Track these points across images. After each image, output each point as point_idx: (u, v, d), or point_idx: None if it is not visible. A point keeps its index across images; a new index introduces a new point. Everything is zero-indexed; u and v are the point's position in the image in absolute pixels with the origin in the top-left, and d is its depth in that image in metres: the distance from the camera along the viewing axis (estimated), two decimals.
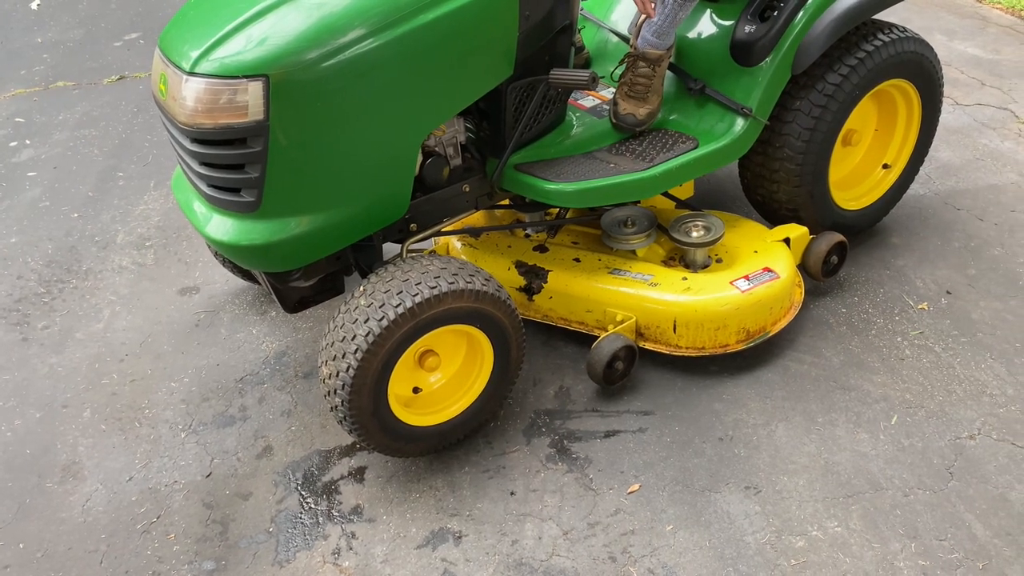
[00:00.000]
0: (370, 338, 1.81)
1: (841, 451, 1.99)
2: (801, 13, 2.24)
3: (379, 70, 1.80)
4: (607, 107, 2.40)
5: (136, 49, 4.67)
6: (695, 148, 2.28)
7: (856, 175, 2.64)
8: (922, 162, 2.65)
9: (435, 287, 1.85)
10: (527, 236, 2.51)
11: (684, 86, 2.37)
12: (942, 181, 2.93)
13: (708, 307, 2.17)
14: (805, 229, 2.40)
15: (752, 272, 2.24)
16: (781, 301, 2.25)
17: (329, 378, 1.88)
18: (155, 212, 3.14)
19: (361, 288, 1.90)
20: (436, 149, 2.14)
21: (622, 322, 2.23)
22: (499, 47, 1.96)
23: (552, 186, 2.13)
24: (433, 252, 2.06)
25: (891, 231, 2.71)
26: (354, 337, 1.83)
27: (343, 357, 1.84)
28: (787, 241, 2.37)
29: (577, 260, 2.36)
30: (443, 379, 2.07)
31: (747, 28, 2.29)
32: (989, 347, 2.23)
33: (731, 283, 2.20)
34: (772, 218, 2.57)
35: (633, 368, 2.20)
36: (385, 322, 1.81)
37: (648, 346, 2.24)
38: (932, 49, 2.45)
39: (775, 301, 2.23)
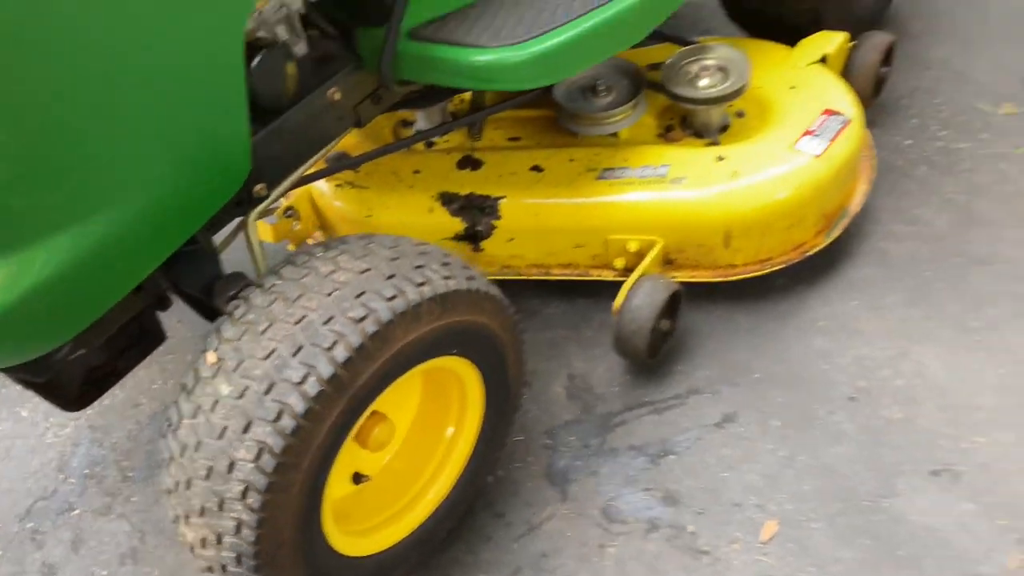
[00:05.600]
0: (266, 462, 0.87)
1: None
2: None
3: None
4: None
5: None
6: None
7: None
8: None
9: (366, 316, 0.91)
10: (429, 146, 1.56)
11: None
12: None
13: (776, 196, 1.34)
14: (844, 36, 1.59)
15: (814, 122, 1.42)
16: (862, 153, 1.47)
17: (203, 547, 0.93)
18: None
19: (211, 358, 0.92)
20: (261, 35, 1.11)
21: (638, 255, 1.38)
22: None
23: (491, 55, 1.18)
24: (326, 242, 1.07)
25: (906, 16, 1.95)
26: (231, 467, 0.87)
27: (220, 509, 0.89)
28: (823, 61, 1.56)
29: (538, 168, 1.45)
30: (393, 453, 1.16)
31: None
32: None
33: (795, 147, 1.38)
34: (773, 33, 1.74)
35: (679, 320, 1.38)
36: (289, 421, 0.87)
37: (683, 277, 1.41)
38: None
39: (856, 157, 1.43)
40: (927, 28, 1.91)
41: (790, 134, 1.40)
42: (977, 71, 1.78)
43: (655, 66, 1.57)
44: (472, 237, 1.44)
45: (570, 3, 1.26)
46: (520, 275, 1.48)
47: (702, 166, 1.38)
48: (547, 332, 1.48)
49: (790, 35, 1.67)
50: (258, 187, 1.15)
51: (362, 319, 0.90)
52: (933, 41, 1.87)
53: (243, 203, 1.15)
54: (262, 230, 1.50)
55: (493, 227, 1.43)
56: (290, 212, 1.52)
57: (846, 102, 1.45)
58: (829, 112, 1.43)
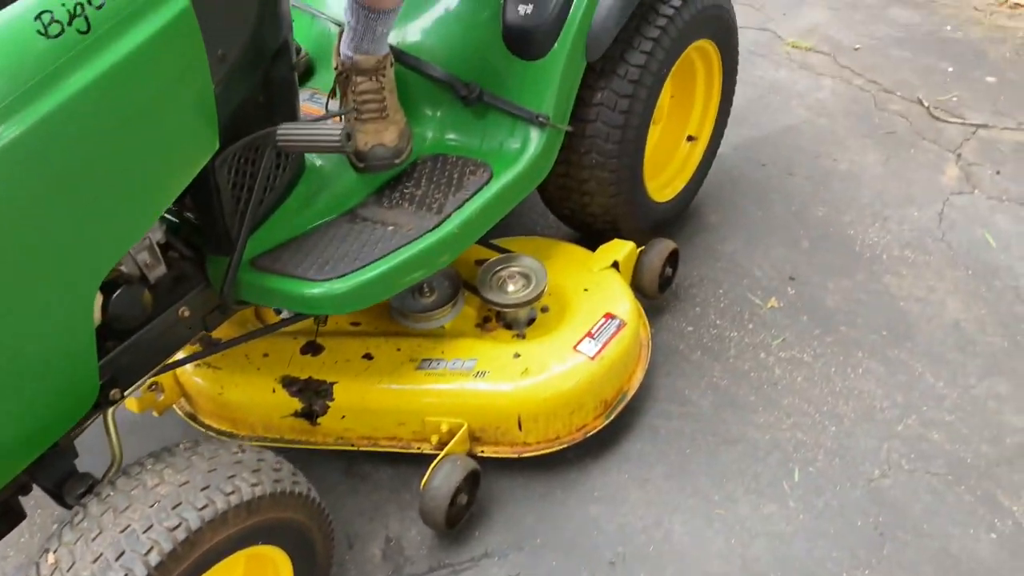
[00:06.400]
0: None
1: (754, 538, 1.61)
2: None
3: None
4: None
5: None
6: (491, 178, 1.70)
7: (660, 156, 2.20)
8: (726, 125, 2.28)
9: (179, 524, 1.15)
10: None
11: (455, 93, 1.76)
12: (736, 131, 2.59)
13: (558, 389, 1.65)
14: (632, 245, 1.94)
15: (594, 325, 1.74)
16: (634, 351, 1.79)
17: None
18: None
19: (50, 559, 1.15)
20: (123, 269, 1.38)
21: (449, 433, 1.66)
22: (188, 114, 1.23)
23: (317, 288, 1.46)
24: (159, 453, 1.29)
25: (705, 207, 2.34)
26: None
27: None
28: (615, 265, 1.90)
29: (368, 357, 1.73)
30: None
31: (520, 8, 1.71)
32: (857, 342, 1.94)
33: (575, 348, 1.70)
34: (585, 231, 2.09)
35: (478, 491, 1.65)
36: None
37: (488, 452, 1.70)
38: None
39: (628, 355, 1.76)
40: (722, 221, 2.30)
41: (573, 336, 1.71)
42: (755, 266, 2.16)
43: (481, 261, 1.89)
44: (308, 415, 1.70)
45: (388, 239, 1.56)
46: (353, 445, 1.74)
47: (502, 362, 1.68)
48: (373, 495, 1.73)
49: (599, 234, 2.03)
50: (113, 392, 1.39)
51: (175, 527, 1.14)
52: (725, 235, 2.25)
53: (100, 405, 1.39)
54: (128, 402, 1.73)
55: (327, 407, 1.69)
56: (154, 386, 1.75)
57: (625, 307, 1.78)
58: (609, 316, 1.76)
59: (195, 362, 1.73)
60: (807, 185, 2.39)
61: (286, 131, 1.34)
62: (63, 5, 1.05)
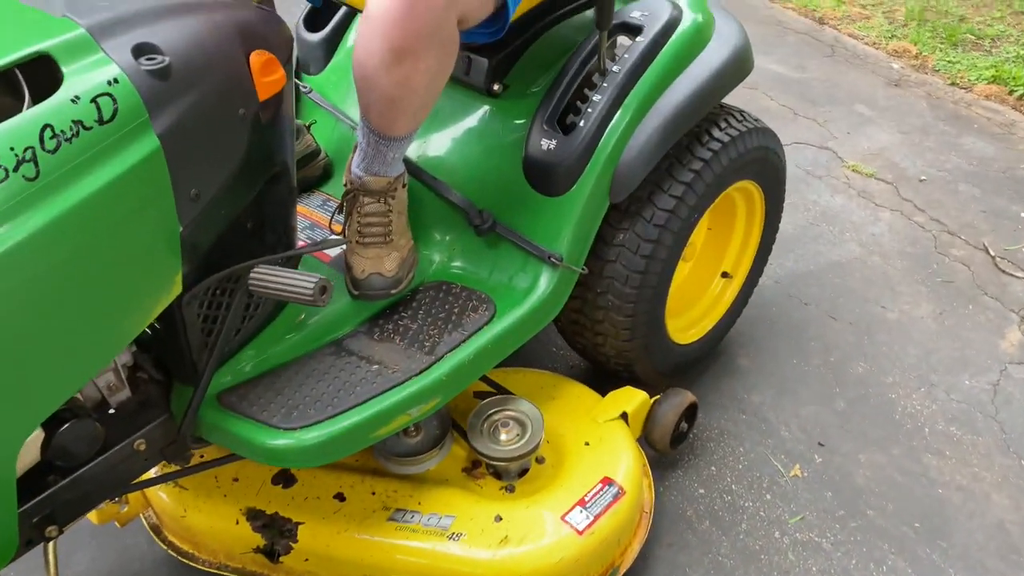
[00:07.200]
0: None
1: None
2: (617, 118, 1.58)
3: None
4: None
5: None
6: (493, 316, 1.58)
7: (689, 292, 2.06)
8: (765, 263, 2.12)
9: None
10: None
11: (468, 220, 1.65)
12: (779, 261, 2.44)
13: (538, 565, 1.49)
14: (644, 396, 1.78)
15: (589, 491, 1.58)
16: (631, 523, 1.63)
17: None
18: None
19: None
20: (78, 396, 1.28)
21: None
22: (145, 261, 1.13)
23: (281, 439, 1.33)
24: None
25: (736, 347, 2.17)
26: None
27: None
28: (624, 416, 1.75)
29: (341, 497, 1.60)
30: None
31: (544, 142, 1.59)
32: (884, 532, 1.74)
33: (563, 519, 1.54)
34: (598, 368, 1.94)
35: None
36: None
37: None
38: (776, 137, 1.89)
39: (624, 529, 1.60)
40: (752, 366, 2.13)
41: (564, 502, 1.56)
42: (782, 424, 1.98)
43: (480, 394, 1.75)
44: (270, 554, 1.58)
45: (371, 380, 1.43)
46: None
47: (480, 524, 1.53)
48: None
49: (611, 371, 1.89)
50: (49, 529, 1.28)
51: None
52: (754, 383, 2.08)
53: (33, 542, 1.28)
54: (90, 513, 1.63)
55: (291, 548, 1.57)
56: (117, 498, 1.65)
57: (626, 472, 1.63)
58: (606, 481, 1.60)
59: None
60: (850, 334, 2.20)
61: (259, 274, 1.24)
62: (11, 149, 0.96)
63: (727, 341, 2.15)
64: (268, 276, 1.23)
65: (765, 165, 1.87)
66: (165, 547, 1.68)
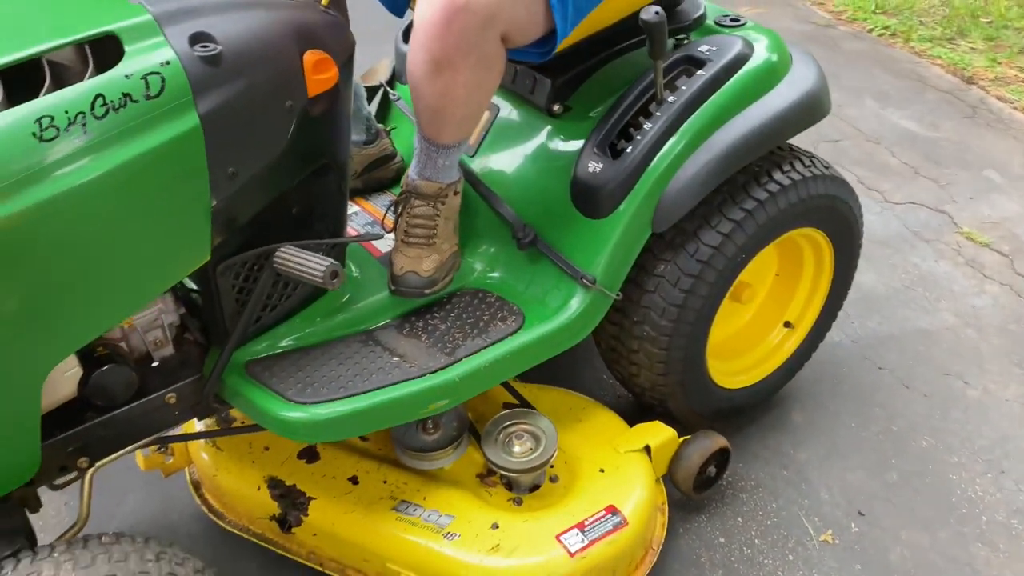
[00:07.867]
0: None
1: None
2: (667, 148, 1.58)
3: None
4: None
5: None
6: (519, 328, 1.61)
7: (746, 337, 2.00)
8: (834, 319, 2.03)
9: None
10: None
11: (512, 232, 1.69)
12: (861, 320, 2.32)
13: None
14: (672, 433, 1.75)
15: (590, 516, 1.58)
16: (629, 557, 1.60)
17: None
18: None
19: None
20: (120, 345, 1.42)
21: None
22: (174, 225, 1.25)
23: (292, 412, 1.42)
24: (72, 542, 1.26)
25: (793, 402, 2.08)
26: None
27: None
28: (648, 449, 1.72)
29: (354, 480, 1.67)
30: None
31: (591, 165, 1.61)
32: None
33: (558, 538, 1.54)
34: (636, 397, 1.93)
35: None
36: None
37: None
38: (850, 188, 1.81)
39: (620, 559, 1.58)
40: (806, 423, 2.03)
41: (564, 522, 1.56)
42: (823, 486, 1.88)
43: (509, 405, 1.78)
44: (282, 523, 1.67)
45: (387, 371, 1.49)
46: (321, 567, 1.67)
47: (476, 528, 1.56)
48: None
49: (649, 403, 1.87)
50: (81, 460, 1.42)
51: None
52: (803, 440, 1.99)
53: (67, 469, 1.43)
54: (138, 456, 1.78)
55: (301, 520, 1.65)
56: (164, 448, 1.80)
57: (634, 504, 1.60)
58: (611, 509, 1.59)
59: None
60: (921, 405, 2.06)
61: (283, 254, 1.33)
62: (65, 112, 1.10)
63: (784, 395, 2.07)
64: (289, 256, 1.33)
65: (832, 214, 1.80)
66: (200, 503, 1.81)
